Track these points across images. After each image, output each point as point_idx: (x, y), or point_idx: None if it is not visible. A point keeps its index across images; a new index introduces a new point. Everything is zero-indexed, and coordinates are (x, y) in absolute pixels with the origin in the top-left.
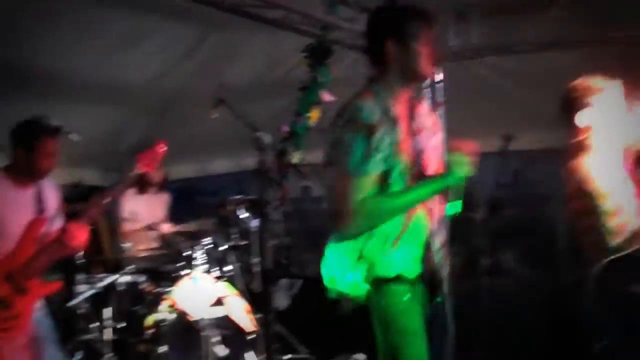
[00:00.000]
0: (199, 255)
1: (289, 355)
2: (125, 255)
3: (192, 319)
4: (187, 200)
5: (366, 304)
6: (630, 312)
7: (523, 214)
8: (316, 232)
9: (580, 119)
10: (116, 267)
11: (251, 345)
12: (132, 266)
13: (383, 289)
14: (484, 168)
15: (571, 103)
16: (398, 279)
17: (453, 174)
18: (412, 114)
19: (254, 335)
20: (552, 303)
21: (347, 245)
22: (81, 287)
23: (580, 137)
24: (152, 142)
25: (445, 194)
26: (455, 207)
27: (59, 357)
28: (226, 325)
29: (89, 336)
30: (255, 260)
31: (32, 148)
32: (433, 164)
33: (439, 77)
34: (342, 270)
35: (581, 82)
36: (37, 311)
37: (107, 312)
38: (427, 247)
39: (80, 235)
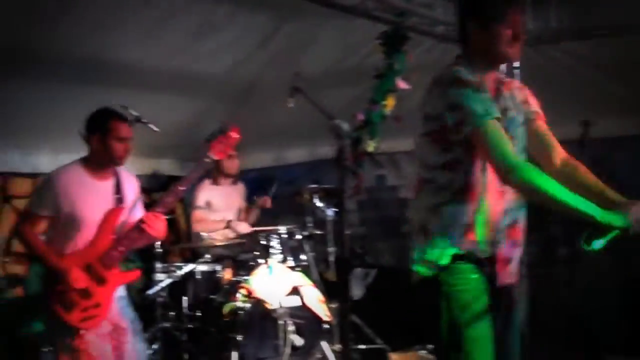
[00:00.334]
0: (275, 245)
1: (364, 346)
2: (203, 244)
3: (268, 308)
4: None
5: (435, 281)
6: None
7: None
8: (391, 222)
9: None
10: (194, 256)
11: (326, 335)
12: (209, 255)
13: (452, 266)
14: None
15: None
16: (467, 257)
17: (611, 217)
18: (498, 95)
19: (329, 325)
20: (630, 292)
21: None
22: (159, 276)
23: None
24: (225, 129)
25: (590, 223)
26: (592, 243)
27: (140, 345)
28: (301, 314)
29: (167, 324)
30: (330, 249)
31: (104, 133)
32: (515, 147)
33: (516, 62)
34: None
35: None
36: (117, 300)
37: (185, 301)
38: (496, 229)
39: (158, 224)
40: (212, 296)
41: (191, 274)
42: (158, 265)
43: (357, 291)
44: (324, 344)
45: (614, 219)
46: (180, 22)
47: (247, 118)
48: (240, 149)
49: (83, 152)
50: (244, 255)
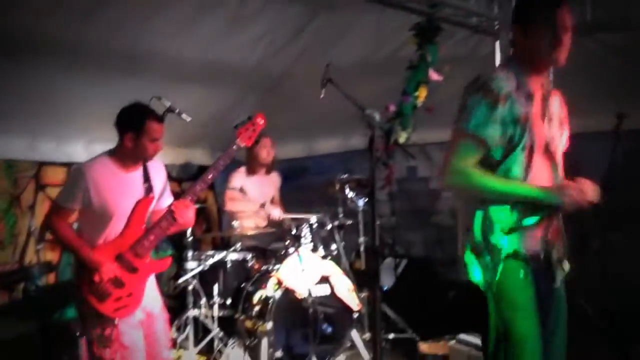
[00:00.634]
0: (306, 234)
1: (393, 335)
2: (234, 233)
3: (298, 297)
4: (295, 180)
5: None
6: None
7: (636, 194)
8: (421, 213)
9: None
10: (225, 244)
11: (356, 324)
12: (240, 244)
13: (501, 262)
14: (597, 147)
15: None
16: (515, 254)
17: (553, 196)
18: (544, 101)
19: (358, 314)
20: None
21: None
22: (191, 264)
23: None
24: (252, 116)
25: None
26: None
27: (169, 333)
28: (331, 303)
29: (197, 312)
30: (361, 239)
31: (138, 132)
32: (556, 156)
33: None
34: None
35: None
36: (148, 289)
37: (215, 289)
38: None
39: (187, 212)
40: (242, 284)
41: (222, 262)
42: (189, 253)
43: (387, 281)
44: (354, 333)
45: (551, 197)
46: (214, 13)
47: (279, 109)
48: (273, 139)
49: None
50: (274, 244)
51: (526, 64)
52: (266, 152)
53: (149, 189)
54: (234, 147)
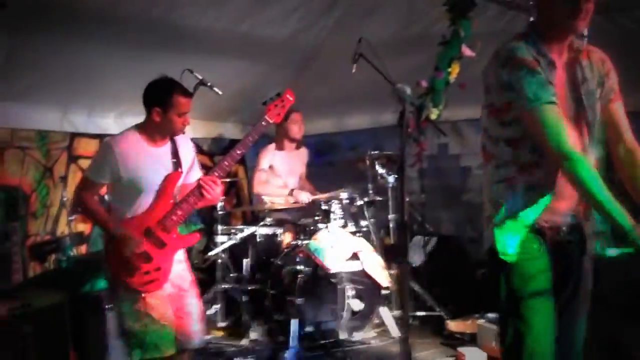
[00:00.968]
0: (336, 210)
1: (422, 312)
2: (264, 207)
3: (327, 272)
4: (325, 156)
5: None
6: None
7: None
8: (451, 190)
9: None
10: (255, 219)
11: (385, 301)
12: (270, 219)
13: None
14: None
15: None
16: (532, 227)
17: (632, 232)
18: (573, 64)
19: (388, 291)
20: None
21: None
22: (221, 238)
23: None
24: (281, 92)
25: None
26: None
27: (199, 308)
28: (361, 279)
29: (227, 286)
30: (391, 216)
31: (166, 107)
32: (594, 120)
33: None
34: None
35: None
36: (177, 263)
37: (245, 263)
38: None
39: (215, 188)
40: (272, 259)
41: (252, 236)
42: (219, 227)
43: (416, 258)
44: (383, 310)
45: (632, 235)
46: None
47: (310, 84)
48: (303, 114)
49: None
50: (304, 219)
51: (545, 32)
52: (297, 128)
53: (177, 164)
54: (263, 123)
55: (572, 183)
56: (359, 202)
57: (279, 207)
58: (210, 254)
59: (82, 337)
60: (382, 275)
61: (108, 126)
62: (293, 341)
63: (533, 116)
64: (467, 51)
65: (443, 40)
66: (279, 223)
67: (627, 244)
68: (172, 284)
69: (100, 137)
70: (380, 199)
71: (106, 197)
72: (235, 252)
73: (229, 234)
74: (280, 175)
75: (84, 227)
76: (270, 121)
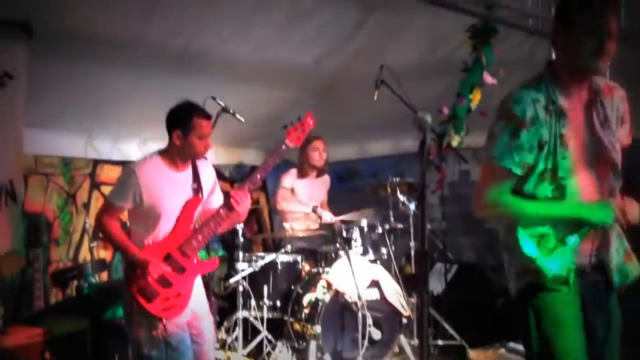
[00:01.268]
0: (356, 237)
1: (442, 341)
2: (285, 234)
3: (347, 300)
4: (346, 182)
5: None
6: None
7: None
8: (473, 218)
9: None
10: (275, 246)
11: (404, 329)
12: (291, 246)
13: (543, 276)
14: None
15: None
16: (559, 268)
17: (597, 214)
18: (594, 105)
19: (407, 319)
20: None
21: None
22: (241, 265)
23: None
24: (301, 116)
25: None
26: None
27: (214, 335)
28: (381, 307)
29: (247, 313)
30: (412, 244)
31: (186, 129)
32: (614, 156)
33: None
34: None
35: None
36: (195, 289)
37: (265, 290)
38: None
39: (244, 201)
40: (292, 287)
41: (272, 264)
42: (240, 254)
43: (436, 286)
44: (402, 338)
45: (595, 215)
46: (269, 14)
47: (332, 110)
48: (325, 141)
49: None
50: (324, 247)
51: (564, 74)
52: (318, 155)
53: (197, 189)
54: (283, 147)
55: (505, 222)
56: (380, 230)
57: (300, 235)
58: (231, 281)
59: None
60: (401, 303)
61: (131, 153)
62: None
63: (486, 167)
64: (488, 78)
65: (465, 67)
66: (299, 250)
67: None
68: (190, 310)
69: (123, 163)
70: (401, 226)
71: (127, 223)
72: (256, 280)
73: (249, 261)
74: (301, 201)
75: (105, 254)
76: (290, 145)
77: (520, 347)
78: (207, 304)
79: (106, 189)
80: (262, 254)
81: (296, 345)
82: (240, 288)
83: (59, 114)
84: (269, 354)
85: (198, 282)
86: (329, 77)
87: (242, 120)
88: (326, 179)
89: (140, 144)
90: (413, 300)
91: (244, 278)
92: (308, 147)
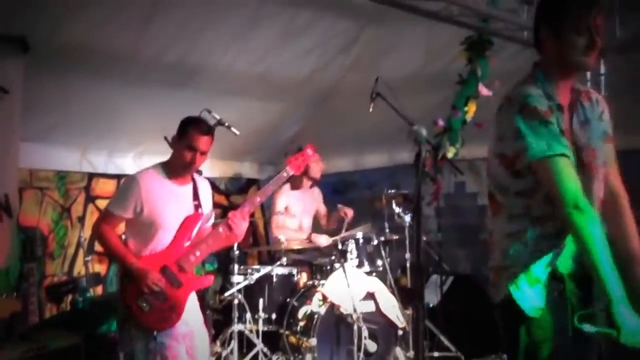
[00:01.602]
0: (352, 249)
1: (438, 353)
2: (280, 247)
3: (343, 313)
4: (341, 194)
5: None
6: None
7: None
8: (468, 229)
9: None
10: (270, 259)
11: (400, 341)
12: (286, 259)
13: (534, 292)
14: None
15: None
16: (551, 283)
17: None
18: (574, 106)
19: (403, 331)
20: None
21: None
22: (236, 278)
23: None
24: (302, 147)
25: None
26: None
27: (209, 348)
28: (376, 320)
29: (242, 326)
30: (407, 255)
31: (179, 138)
32: (591, 167)
33: (602, 69)
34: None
35: None
36: (190, 302)
37: (261, 303)
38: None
39: (242, 223)
40: (287, 299)
41: (268, 276)
42: (235, 267)
43: (432, 298)
44: (398, 350)
45: (627, 327)
46: (264, 28)
47: (327, 123)
48: (320, 153)
49: (166, 155)
50: (320, 259)
51: (556, 70)
52: (318, 167)
53: (197, 206)
54: (284, 174)
55: (576, 236)
56: (375, 242)
57: (295, 247)
58: (226, 294)
59: None
60: (396, 315)
61: (127, 166)
62: None
63: (545, 167)
64: (484, 90)
65: (460, 79)
66: (294, 263)
67: (607, 324)
68: (185, 324)
69: (118, 177)
70: (397, 237)
71: (123, 236)
72: (251, 292)
73: (245, 274)
74: (295, 215)
75: (100, 268)
76: (291, 172)
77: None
78: (202, 317)
79: (101, 203)
80: (257, 266)
81: (292, 358)
82: (236, 301)
83: (54, 128)
84: None
85: (192, 296)
86: (324, 89)
87: (237, 133)
88: (317, 191)
89: (135, 158)
90: (409, 312)
91: (239, 291)
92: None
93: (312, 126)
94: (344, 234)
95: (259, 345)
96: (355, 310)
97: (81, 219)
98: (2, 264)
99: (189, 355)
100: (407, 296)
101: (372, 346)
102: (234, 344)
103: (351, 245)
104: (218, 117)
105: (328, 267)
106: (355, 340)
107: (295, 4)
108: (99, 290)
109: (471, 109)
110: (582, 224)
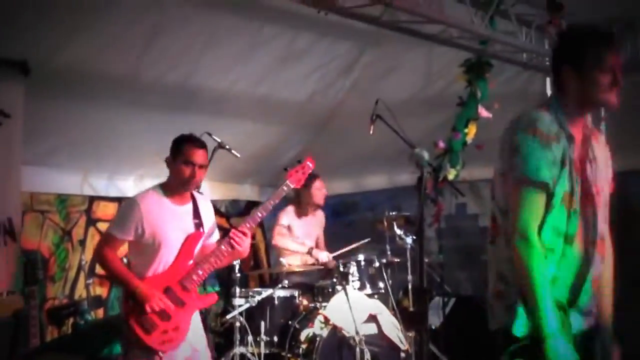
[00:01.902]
0: (354, 272)
1: None
2: (281, 270)
3: (345, 335)
4: (343, 216)
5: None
6: None
7: None
8: (470, 250)
9: None
10: (272, 281)
11: None
12: (288, 281)
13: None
14: None
15: None
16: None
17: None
18: (586, 142)
19: (406, 354)
20: None
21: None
22: (238, 301)
23: None
24: (302, 159)
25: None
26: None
27: None
28: (378, 342)
29: (244, 349)
30: (409, 277)
31: (175, 155)
32: (596, 200)
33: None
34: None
35: None
36: (193, 324)
37: (262, 326)
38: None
39: (244, 240)
40: (289, 322)
41: (269, 299)
42: (237, 289)
43: (435, 320)
44: None
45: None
46: (265, 50)
47: (328, 145)
48: (321, 175)
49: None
50: (322, 281)
51: (575, 106)
52: (321, 194)
53: (198, 225)
54: (284, 187)
55: (519, 266)
56: (377, 264)
57: (297, 270)
58: (227, 317)
59: None
60: (400, 337)
61: (127, 189)
62: None
63: (517, 191)
64: (483, 112)
65: (460, 101)
66: (296, 285)
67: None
68: (189, 345)
69: (119, 200)
70: (398, 260)
71: (124, 259)
72: (253, 315)
73: (246, 297)
74: (298, 237)
75: (101, 291)
76: (291, 186)
77: None
78: (206, 338)
79: (102, 226)
80: (258, 289)
81: None
82: (237, 323)
83: (55, 151)
84: None
85: (196, 317)
86: (324, 112)
87: (238, 155)
88: (321, 215)
89: (136, 181)
90: (411, 334)
91: (240, 313)
92: (312, 187)
93: (313, 148)
94: (344, 250)
95: None
96: (357, 333)
97: (82, 242)
98: (8, 287)
99: None
100: (410, 318)
101: None
102: None
103: (353, 268)
104: (219, 140)
105: (330, 290)
106: None
107: (295, 27)
108: (100, 313)
109: (471, 130)
110: (526, 255)
